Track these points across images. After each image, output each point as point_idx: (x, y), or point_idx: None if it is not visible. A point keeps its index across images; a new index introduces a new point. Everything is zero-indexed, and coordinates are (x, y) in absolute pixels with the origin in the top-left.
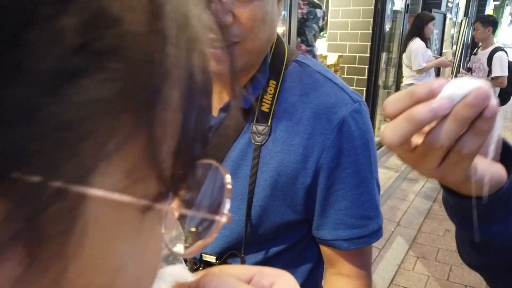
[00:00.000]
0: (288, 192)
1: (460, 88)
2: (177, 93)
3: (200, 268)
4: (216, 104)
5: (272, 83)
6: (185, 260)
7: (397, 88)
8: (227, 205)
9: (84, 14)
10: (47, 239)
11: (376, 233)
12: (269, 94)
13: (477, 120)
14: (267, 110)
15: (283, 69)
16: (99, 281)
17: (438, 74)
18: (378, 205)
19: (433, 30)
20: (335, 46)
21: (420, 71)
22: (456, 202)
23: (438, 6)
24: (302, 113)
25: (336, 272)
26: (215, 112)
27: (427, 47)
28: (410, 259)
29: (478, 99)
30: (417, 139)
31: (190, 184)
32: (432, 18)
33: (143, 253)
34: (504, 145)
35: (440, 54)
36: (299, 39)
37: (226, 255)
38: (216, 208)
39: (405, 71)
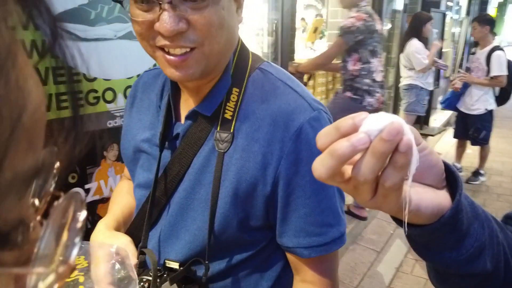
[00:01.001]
0: (249, 199)
1: (377, 123)
2: None
3: (164, 275)
4: (183, 111)
5: (235, 90)
6: (148, 267)
7: (397, 89)
8: (74, 251)
9: None
10: None
11: (338, 240)
12: (232, 101)
13: (394, 154)
14: (230, 117)
15: (246, 76)
16: None
17: (438, 75)
18: (339, 212)
19: (432, 29)
20: None
21: (423, 70)
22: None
23: (437, 5)
24: (262, 120)
25: (301, 279)
26: (182, 120)
27: (425, 47)
28: (408, 262)
29: (391, 134)
30: (350, 171)
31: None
32: (430, 18)
33: None
34: (449, 171)
35: (440, 54)
36: (354, 55)
37: (189, 262)
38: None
39: (403, 71)
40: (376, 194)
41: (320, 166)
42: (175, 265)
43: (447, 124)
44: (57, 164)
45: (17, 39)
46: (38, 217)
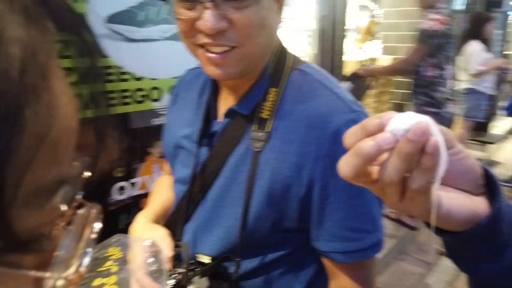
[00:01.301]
0: (283, 200)
1: (403, 122)
2: None
3: (196, 269)
4: (222, 109)
5: (272, 90)
6: (181, 260)
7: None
8: (86, 260)
9: None
10: None
11: (375, 247)
12: (269, 101)
13: (421, 155)
14: (266, 117)
15: (285, 76)
16: None
17: (501, 79)
18: (377, 218)
19: (493, 31)
20: (389, 49)
21: (477, 76)
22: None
23: (499, 5)
24: (299, 121)
25: (336, 284)
26: (220, 117)
27: (487, 49)
28: (463, 277)
29: (416, 134)
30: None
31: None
32: (490, 18)
33: None
34: (488, 177)
35: (503, 56)
36: (431, 60)
37: (221, 258)
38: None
39: (462, 74)
40: (404, 197)
41: (345, 165)
42: (207, 260)
43: (511, 131)
44: (86, 174)
45: (54, 57)
46: (62, 223)
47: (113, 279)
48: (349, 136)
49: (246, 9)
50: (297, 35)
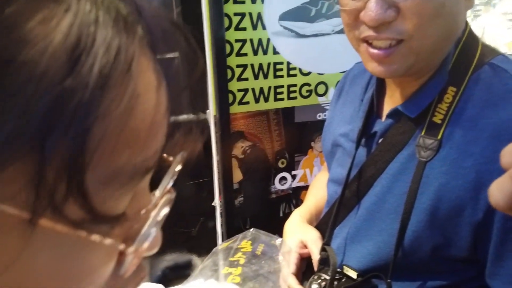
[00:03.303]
0: (450, 222)
1: None
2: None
3: (343, 280)
4: (386, 108)
5: (451, 90)
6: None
7: None
8: (150, 239)
9: None
10: None
11: None
12: (445, 103)
13: None
14: (439, 122)
15: (469, 73)
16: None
17: None
18: None
19: None
20: None
21: None
22: None
23: None
24: (482, 130)
25: None
26: (384, 117)
27: None
28: None
29: None
30: None
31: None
32: None
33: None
34: None
35: None
36: None
37: (370, 275)
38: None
39: None
40: None
41: (497, 191)
42: (353, 274)
43: None
44: (178, 167)
45: (142, 55)
46: (149, 206)
47: (238, 270)
48: (507, 154)
49: None
50: (497, 19)
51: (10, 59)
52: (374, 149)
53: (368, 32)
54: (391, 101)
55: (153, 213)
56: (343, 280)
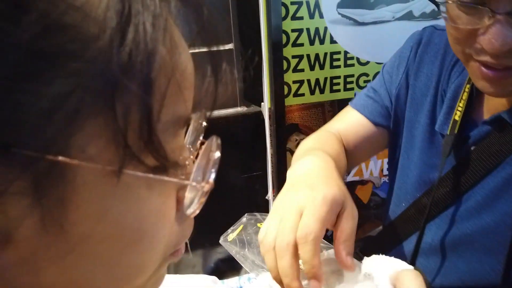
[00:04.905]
0: None
1: None
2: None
3: None
4: (485, 110)
5: None
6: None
7: None
8: (212, 175)
9: (36, 26)
10: (49, 199)
11: None
12: None
13: None
14: None
15: None
16: (98, 230)
17: None
18: None
19: None
20: None
21: None
22: None
23: None
24: None
25: None
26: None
27: None
28: None
29: None
30: None
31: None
32: None
33: (127, 211)
34: None
35: None
36: None
37: None
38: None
39: None
40: None
41: None
42: None
43: None
44: (203, 126)
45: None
46: (192, 157)
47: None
48: None
49: None
50: None
51: (72, 24)
52: (464, 156)
53: (485, 58)
54: (490, 104)
55: (198, 159)
56: None
